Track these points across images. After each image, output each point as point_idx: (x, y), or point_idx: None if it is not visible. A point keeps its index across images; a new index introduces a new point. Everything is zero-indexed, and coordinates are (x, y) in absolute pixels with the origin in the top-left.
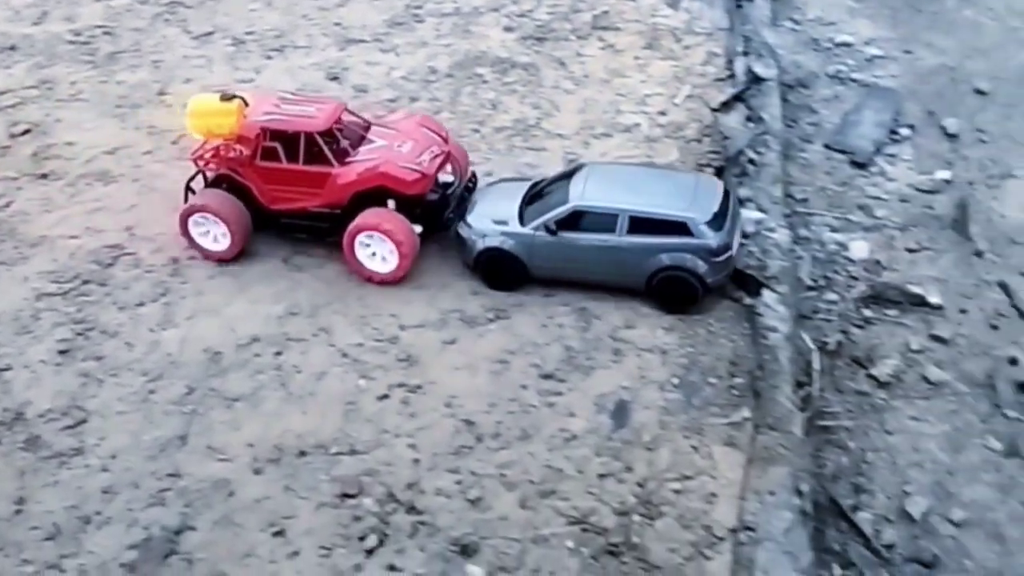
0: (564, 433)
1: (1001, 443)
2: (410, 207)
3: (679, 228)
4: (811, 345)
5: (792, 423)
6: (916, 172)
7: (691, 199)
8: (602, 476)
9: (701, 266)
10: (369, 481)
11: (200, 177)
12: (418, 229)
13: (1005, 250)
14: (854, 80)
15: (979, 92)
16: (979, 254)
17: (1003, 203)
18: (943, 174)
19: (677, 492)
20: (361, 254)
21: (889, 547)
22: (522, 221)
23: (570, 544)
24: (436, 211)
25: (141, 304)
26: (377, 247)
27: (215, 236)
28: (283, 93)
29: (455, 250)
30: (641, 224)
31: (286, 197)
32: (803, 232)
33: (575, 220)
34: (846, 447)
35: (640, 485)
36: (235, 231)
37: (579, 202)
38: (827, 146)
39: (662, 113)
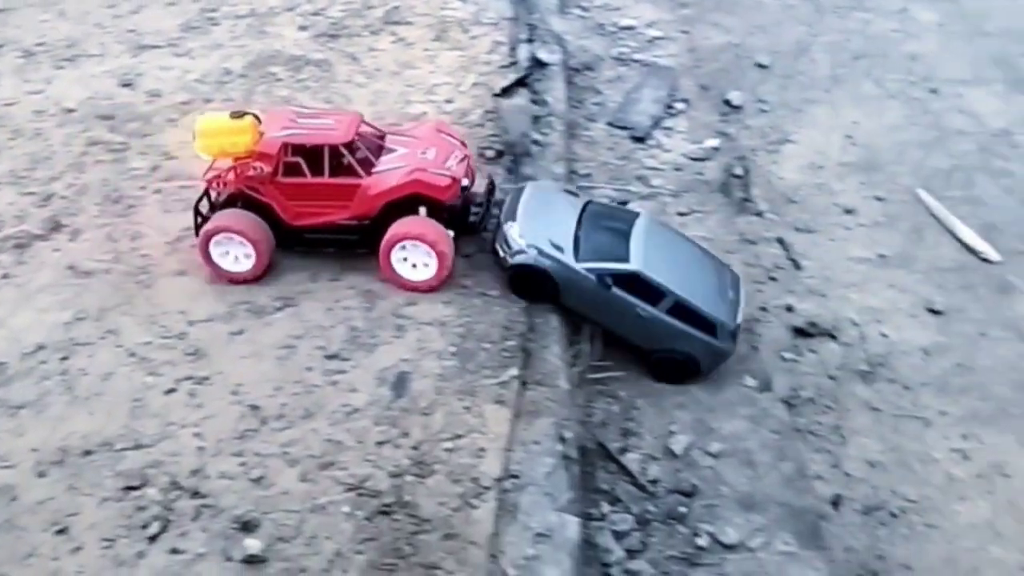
0: (346, 408)
1: (756, 380)
2: (440, 213)
3: (708, 327)
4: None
5: (559, 378)
6: (689, 142)
7: (723, 297)
8: (380, 444)
9: (705, 359)
10: (154, 472)
11: (206, 199)
12: (450, 235)
13: (782, 209)
14: (636, 61)
15: (760, 66)
16: (759, 214)
17: (781, 166)
18: (712, 142)
19: (449, 451)
20: (397, 264)
21: (654, 482)
22: (576, 250)
23: (346, 509)
24: (461, 216)
25: None
26: (412, 256)
27: (236, 256)
28: (296, 108)
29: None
30: (681, 310)
31: (312, 212)
32: None
33: (627, 281)
34: (617, 396)
35: (415, 448)
36: (261, 250)
37: (641, 269)
38: (610, 124)
39: (449, 101)
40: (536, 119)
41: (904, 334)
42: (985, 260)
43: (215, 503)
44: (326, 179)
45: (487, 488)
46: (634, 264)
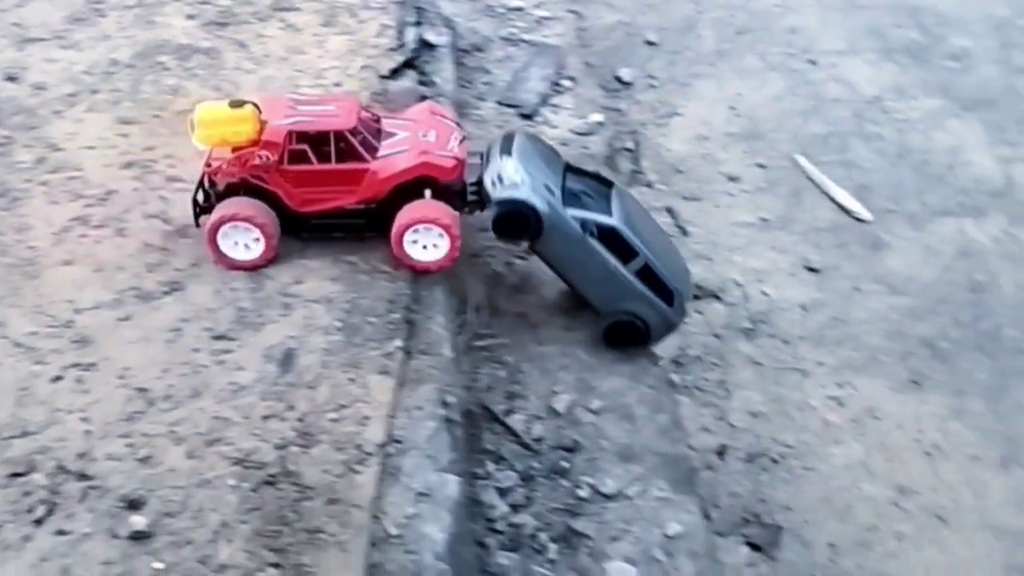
0: (233, 386)
1: None
2: (446, 194)
3: (668, 295)
4: (470, 278)
5: (443, 347)
6: (575, 118)
7: (680, 270)
8: (266, 418)
9: (658, 328)
10: (40, 458)
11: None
12: (457, 215)
13: (671, 179)
14: (525, 41)
15: (649, 43)
16: (649, 184)
17: (669, 139)
18: (596, 117)
19: (333, 421)
20: (409, 248)
21: (538, 440)
22: (563, 197)
23: (232, 482)
24: (460, 195)
25: None
26: (424, 238)
27: (245, 244)
28: (293, 95)
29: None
30: (647, 274)
31: (319, 198)
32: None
33: (606, 235)
34: (503, 361)
35: (300, 420)
36: (269, 235)
37: (621, 226)
38: (499, 102)
39: (337, 84)
40: (423, 100)
41: (784, 292)
42: (858, 219)
43: (102, 484)
44: (333, 165)
45: (370, 454)
46: (615, 220)
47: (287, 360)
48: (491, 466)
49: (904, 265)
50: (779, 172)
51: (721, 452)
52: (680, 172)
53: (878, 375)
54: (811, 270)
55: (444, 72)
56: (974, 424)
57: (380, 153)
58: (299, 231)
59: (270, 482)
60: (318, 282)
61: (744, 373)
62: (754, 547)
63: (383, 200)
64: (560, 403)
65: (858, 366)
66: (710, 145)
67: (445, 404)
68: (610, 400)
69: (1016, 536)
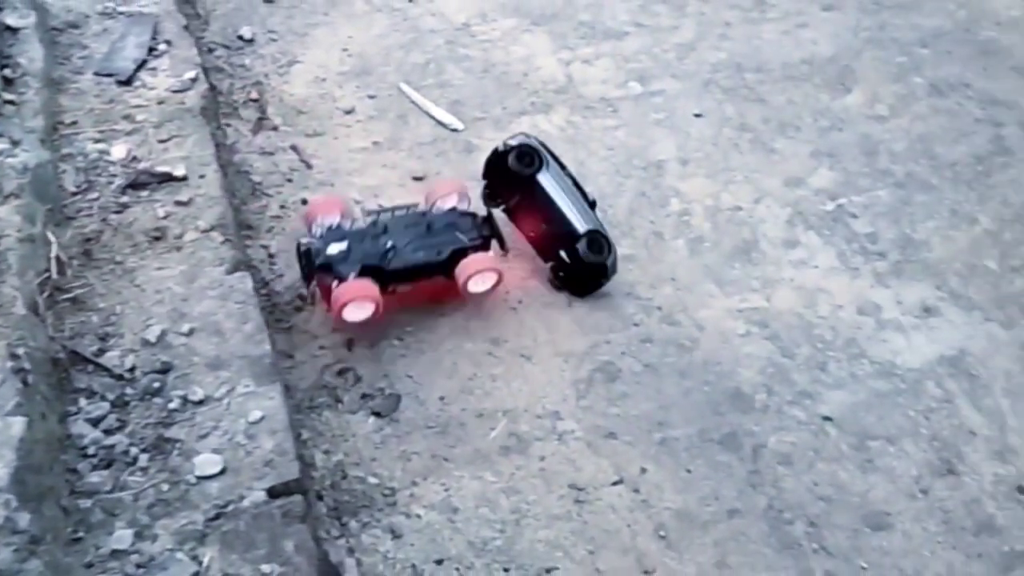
0: None
1: (226, 264)
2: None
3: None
4: (51, 238)
5: (14, 306)
6: (171, 77)
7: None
8: None
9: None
10: None
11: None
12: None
13: (294, 120)
14: (121, 13)
15: (267, 2)
16: (275, 128)
17: (291, 85)
18: (190, 74)
19: None
20: (472, 287)
21: (131, 369)
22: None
23: None
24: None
25: None
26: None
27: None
28: None
29: None
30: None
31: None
32: (68, 150)
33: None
34: (96, 308)
35: None
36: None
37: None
38: (96, 73)
39: None
40: (9, 82)
41: (395, 201)
42: (454, 130)
43: None
44: None
45: None
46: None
47: None
48: (83, 402)
49: None
50: (387, 100)
51: (349, 344)
52: (303, 113)
53: None
54: (417, 179)
55: (31, 53)
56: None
57: None
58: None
59: None
60: None
61: None
62: (378, 415)
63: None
64: (152, 333)
65: None
66: (327, 85)
67: (15, 356)
68: (200, 321)
69: (578, 356)
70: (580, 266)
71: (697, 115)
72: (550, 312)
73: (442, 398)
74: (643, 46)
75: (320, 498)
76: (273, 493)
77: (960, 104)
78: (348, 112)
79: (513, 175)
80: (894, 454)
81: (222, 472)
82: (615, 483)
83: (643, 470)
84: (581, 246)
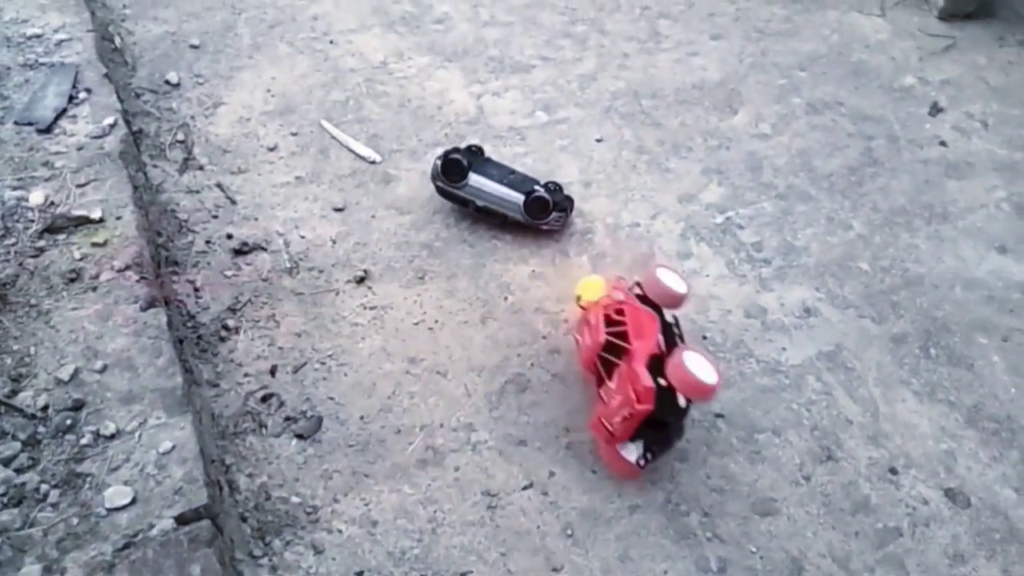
0: None
1: (140, 301)
2: None
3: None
4: None
5: None
6: (91, 124)
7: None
8: None
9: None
10: None
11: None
12: None
13: (219, 159)
14: (43, 64)
15: (193, 47)
16: (201, 167)
17: (216, 126)
18: (109, 120)
19: None
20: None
21: (44, 408)
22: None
23: None
24: None
25: None
26: None
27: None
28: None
29: None
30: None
31: None
32: None
33: None
34: (10, 351)
35: None
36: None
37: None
38: (16, 122)
39: None
40: None
41: (317, 232)
42: (372, 162)
43: None
44: None
45: None
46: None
47: None
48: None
49: (408, 190)
50: (308, 137)
51: (273, 371)
52: (227, 152)
53: (392, 279)
54: (337, 210)
55: None
56: (462, 298)
57: None
58: None
59: None
60: None
61: (288, 304)
62: (300, 437)
63: None
64: (65, 372)
65: (376, 276)
66: (252, 124)
67: None
68: (114, 358)
69: (491, 370)
70: (545, 205)
71: (598, 140)
72: (464, 330)
73: (362, 417)
74: (548, 78)
75: (244, 520)
76: (182, 520)
77: (835, 121)
78: (271, 149)
79: (453, 193)
80: (779, 444)
81: (132, 503)
82: (525, 487)
83: (551, 473)
84: (530, 203)
